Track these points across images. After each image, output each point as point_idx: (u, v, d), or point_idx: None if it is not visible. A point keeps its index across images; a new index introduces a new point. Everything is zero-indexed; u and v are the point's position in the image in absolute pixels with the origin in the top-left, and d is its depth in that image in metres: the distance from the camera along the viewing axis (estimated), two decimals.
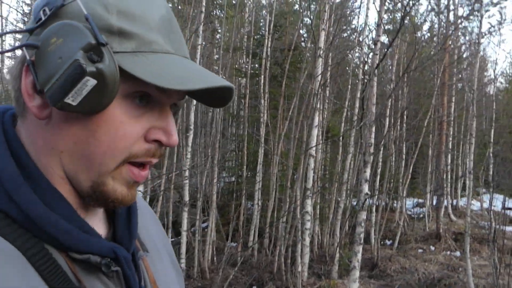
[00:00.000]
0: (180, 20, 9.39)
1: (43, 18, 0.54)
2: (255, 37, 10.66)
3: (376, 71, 4.42)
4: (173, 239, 8.64)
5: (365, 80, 5.89)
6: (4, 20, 10.73)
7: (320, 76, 6.89)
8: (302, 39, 11.54)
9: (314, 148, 7.31)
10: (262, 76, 8.72)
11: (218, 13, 11.21)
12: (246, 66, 9.83)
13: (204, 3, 7.54)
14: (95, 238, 0.59)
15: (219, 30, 12.26)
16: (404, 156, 11.43)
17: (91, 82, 0.51)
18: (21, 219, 0.53)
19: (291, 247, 7.72)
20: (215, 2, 10.20)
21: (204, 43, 9.66)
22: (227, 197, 10.18)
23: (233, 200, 9.67)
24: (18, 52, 0.58)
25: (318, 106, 7.21)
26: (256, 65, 10.15)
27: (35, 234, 0.54)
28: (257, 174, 8.64)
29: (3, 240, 0.51)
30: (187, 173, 7.38)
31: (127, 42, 0.55)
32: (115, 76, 0.52)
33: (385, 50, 4.64)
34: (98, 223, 0.65)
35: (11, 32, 0.62)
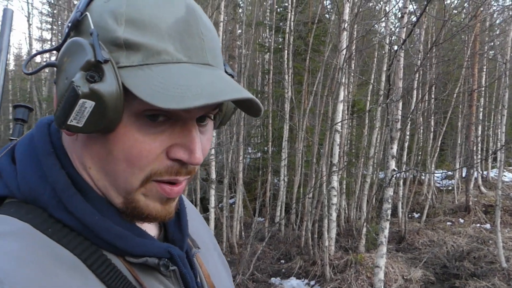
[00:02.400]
0: None
1: (65, 35, 0.54)
2: (278, 10, 10.48)
3: (403, 46, 4.30)
4: (202, 215, 8.81)
5: (392, 54, 5.74)
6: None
7: (345, 50, 6.74)
8: (326, 11, 11.26)
9: (339, 124, 7.24)
10: (286, 51, 8.60)
11: None
12: (269, 41, 9.70)
13: None
14: (149, 240, 0.59)
15: (241, 5, 12.09)
16: (432, 129, 11.18)
17: (88, 103, 0.49)
18: (78, 227, 0.54)
19: (317, 222, 7.78)
20: None
21: (226, 18, 9.57)
22: (253, 173, 10.25)
23: (259, 176, 9.73)
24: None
25: (343, 80, 7.09)
26: (280, 39, 10.01)
27: (93, 241, 0.55)
28: (282, 150, 8.64)
29: (62, 249, 0.52)
30: (213, 151, 7.46)
31: (134, 55, 0.51)
32: (115, 95, 0.49)
33: (412, 26, 4.48)
34: (148, 225, 0.66)
35: (40, 53, 0.57)
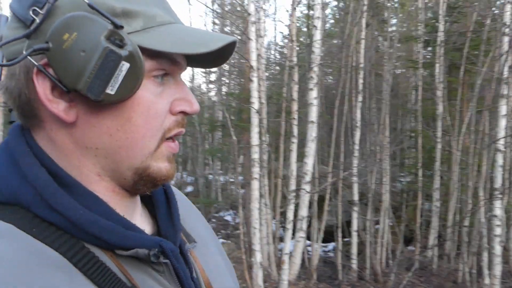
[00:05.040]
0: (346, 15, 9.22)
1: (38, 19, 0.51)
2: (431, 22, 9.75)
3: None
4: (346, 239, 8.53)
5: None
6: None
7: (505, 56, 5.89)
8: (484, 17, 10.06)
9: (502, 142, 6.28)
10: (437, 65, 7.91)
11: (387, 3, 10.64)
12: (418, 56, 9.07)
13: None
14: (139, 233, 0.58)
15: (393, 21, 11.62)
16: None
17: (125, 66, 0.51)
18: (64, 224, 0.53)
19: (477, 256, 6.80)
20: None
21: (370, 35, 9.29)
22: (401, 196, 9.55)
23: (408, 201, 9.03)
24: None
25: (506, 92, 6.17)
26: (430, 54, 9.27)
27: (79, 237, 0.54)
28: (434, 173, 7.87)
29: (47, 248, 0.52)
30: (355, 172, 7.20)
31: (134, 21, 0.54)
32: (141, 56, 0.52)
33: None
34: (140, 219, 0.65)
35: (4, 43, 0.53)
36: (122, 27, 0.51)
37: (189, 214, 0.80)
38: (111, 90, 0.51)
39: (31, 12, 0.52)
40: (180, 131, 0.61)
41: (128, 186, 0.60)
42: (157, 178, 0.60)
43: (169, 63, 0.57)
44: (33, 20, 0.52)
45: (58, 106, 0.54)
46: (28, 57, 0.51)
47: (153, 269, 0.59)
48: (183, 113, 0.61)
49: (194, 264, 0.69)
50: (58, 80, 0.51)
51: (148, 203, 0.70)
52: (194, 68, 0.70)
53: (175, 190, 0.76)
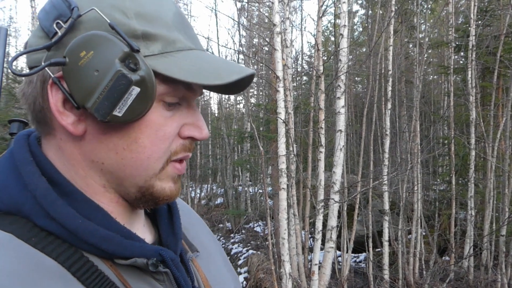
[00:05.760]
0: (374, 23, 9.15)
1: (60, 32, 0.53)
2: (465, 26, 9.53)
3: None
4: (377, 249, 8.36)
5: None
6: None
7: None
8: None
9: None
10: (469, 69, 7.71)
11: (416, 9, 10.49)
12: (449, 61, 8.86)
13: (393, 2, 7.20)
14: (138, 242, 0.58)
15: (423, 27, 11.43)
16: None
17: (135, 90, 0.51)
18: (62, 234, 0.54)
19: None
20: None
21: (401, 42, 9.17)
22: (434, 205, 9.29)
23: (442, 209, 8.78)
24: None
25: None
26: (463, 59, 9.05)
27: (78, 246, 0.54)
28: (469, 180, 7.64)
29: (46, 258, 0.52)
30: (385, 180, 7.07)
31: (153, 45, 0.54)
32: (153, 81, 0.52)
33: None
34: (142, 229, 0.66)
35: (26, 52, 0.55)
36: (138, 50, 0.51)
37: (192, 224, 0.80)
38: (118, 112, 0.51)
39: (55, 25, 0.53)
40: (187, 155, 0.61)
41: (131, 200, 0.60)
42: (160, 198, 0.60)
43: (184, 88, 0.57)
44: (56, 33, 0.53)
45: (67, 119, 0.54)
46: (46, 68, 0.52)
47: (153, 278, 0.59)
48: (192, 138, 0.61)
49: (196, 273, 0.69)
50: (70, 94, 0.52)
51: (151, 212, 0.71)
52: (210, 91, 0.70)
53: (178, 200, 0.77)
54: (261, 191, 12.52)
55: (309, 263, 7.31)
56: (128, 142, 0.55)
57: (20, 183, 0.55)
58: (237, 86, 0.63)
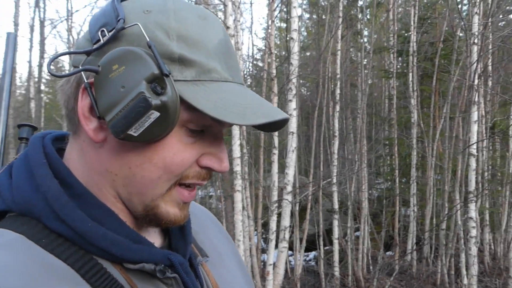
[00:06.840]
0: (321, 28, 9.43)
1: (102, 40, 0.54)
2: (403, 32, 10.06)
3: None
4: (326, 248, 8.61)
5: None
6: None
7: (475, 65, 6.13)
8: (455, 27, 10.47)
9: (475, 147, 6.52)
10: (410, 74, 8.17)
11: (360, 16, 10.94)
12: (392, 66, 9.33)
13: (341, 8, 7.46)
14: (147, 246, 0.59)
15: (366, 33, 11.93)
16: None
17: (154, 115, 0.50)
18: (73, 236, 0.54)
19: (454, 257, 6.99)
20: (356, 5, 9.94)
21: (346, 47, 9.51)
22: (380, 203, 9.74)
23: (386, 207, 9.21)
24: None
25: (476, 99, 6.42)
26: (404, 64, 9.56)
27: (88, 250, 0.55)
28: (411, 179, 8.08)
29: (55, 259, 0.53)
30: (334, 180, 7.31)
31: (187, 70, 0.54)
32: (176, 107, 0.51)
33: None
34: (153, 233, 0.67)
35: (66, 53, 0.56)
36: (167, 74, 0.50)
37: (205, 228, 0.80)
38: (134, 132, 0.51)
39: (99, 33, 0.54)
40: (199, 183, 0.60)
41: (137, 217, 0.61)
42: (163, 220, 0.59)
43: (210, 119, 0.54)
44: (98, 40, 0.54)
45: (90, 124, 0.55)
46: (82, 72, 0.53)
47: (162, 282, 0.60)
48: (209, 168, 0.59)
49: (205, 278, 0.69)
50: (96, 103, 0.53)
51: None
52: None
53: (192, 203, 0.77)
54: (211, 194, 12.46)
55: (262, 263, 7.39)
56: (142, 160, 0.55)
57: (33, 185, 0.56)
58: (269, 127, 0.62)
